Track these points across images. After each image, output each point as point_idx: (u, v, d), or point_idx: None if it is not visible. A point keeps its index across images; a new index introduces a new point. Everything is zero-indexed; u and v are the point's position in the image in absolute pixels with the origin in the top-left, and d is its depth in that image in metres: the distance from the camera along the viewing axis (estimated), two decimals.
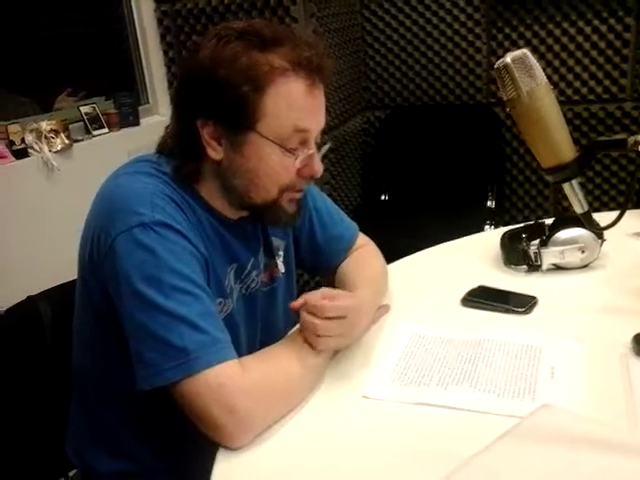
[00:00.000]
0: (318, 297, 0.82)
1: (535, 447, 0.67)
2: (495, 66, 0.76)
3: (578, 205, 0.81)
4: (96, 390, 0.92)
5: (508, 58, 0.74)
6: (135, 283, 0.76)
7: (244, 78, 0.79)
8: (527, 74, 0.75)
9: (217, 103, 0.81)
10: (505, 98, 0.77)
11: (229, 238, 0.91)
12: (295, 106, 0.81)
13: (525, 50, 0.75)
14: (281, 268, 1.01)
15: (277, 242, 1.01)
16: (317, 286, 2.57)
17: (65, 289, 1.04)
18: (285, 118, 0.81)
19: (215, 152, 0.84)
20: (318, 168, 0.86)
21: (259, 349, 0.85)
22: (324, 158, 0.89)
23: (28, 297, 1.03)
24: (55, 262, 1.54)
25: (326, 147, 0.91)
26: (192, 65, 0.83)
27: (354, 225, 1.13)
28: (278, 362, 0.81)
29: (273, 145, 0.82)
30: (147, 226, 0.77)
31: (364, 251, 1.11)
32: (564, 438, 0.68)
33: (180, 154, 0.86)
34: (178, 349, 0.73)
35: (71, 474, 1.04)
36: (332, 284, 1.09)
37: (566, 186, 0.80)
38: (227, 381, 0.73)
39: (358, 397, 0.82)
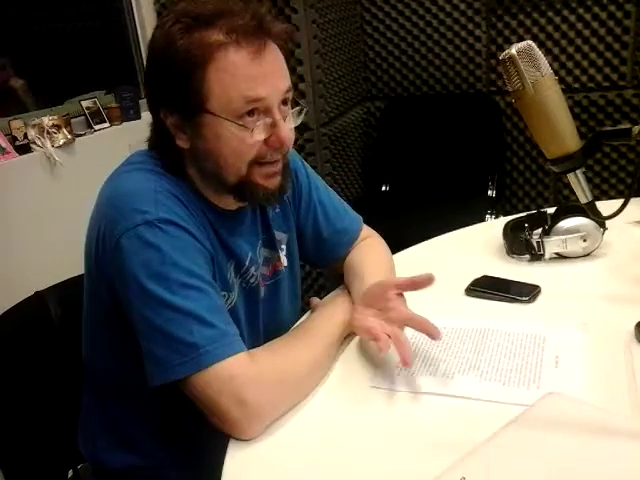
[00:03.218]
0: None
1: (541, 435, 0.68)
2: (500, 58, 0.76)
3: (582, 195, 0.82)
4: (107, 384, 0.93)
5: (513, 49, 0.74)
6: (142, 281, 0.76)
7: (183, 60, 0.77)
8: (532, 65, 0.75)
9: (167, 91, 0.80)
10: (510, 89, 0.78)
11: (227, 235, 0.90)
12: (240, 77, 0.78)
13: (530, 41, 0.75)
14: (284, 262, 1.01)
15: (280, 235, 1.01)
16: (318, 277, 2.56)
17: (72, 284, 1.05)
18: (232, 92, 0.78)
19: (182, 141, 0.83)
20: (285, 135, 0.81)
21: (263, 342, 0.86)
22: (300, 132, 0.86)
23: (36, 293, 1.04)
24: (60, 257, 1.54)
25: (303, 111, 0.86)
26: (147, 56, 0.83)
27: (359, 217, 1.13)
28: (287, 353, 0.82)
29: (227, 122, 0.79)
30: (152, 224, 0.78)
31: (370, 242, 1.11)
32: (569, 425, 0.69)
33: (158, 145, 0.86)
34: (188, 344, 0.74)
35: (79, 467, 1.05)
36: (335, 276, 1.10)
37: (571, 176, 0.81)
38: (237, 374, 0.74)
39: (366, 387, 0.83)
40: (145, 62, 0.85)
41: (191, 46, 0.77)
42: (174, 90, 0.80)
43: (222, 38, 0.78)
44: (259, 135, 0.80)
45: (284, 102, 0.83)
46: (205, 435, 0.80)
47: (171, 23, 0.79)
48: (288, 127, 0.83)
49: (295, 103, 0.85)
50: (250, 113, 0.79)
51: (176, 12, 0.80)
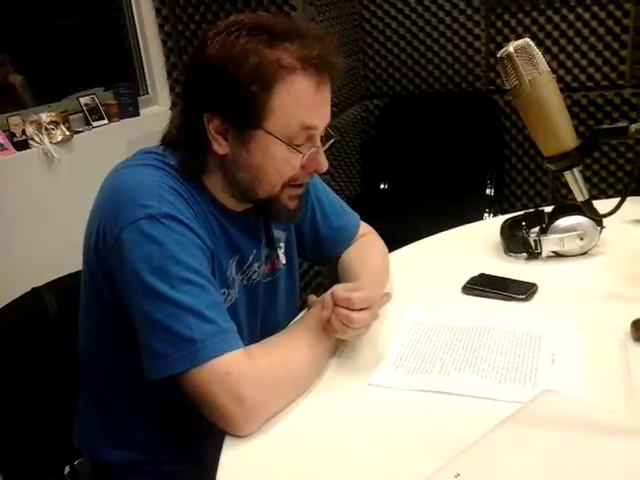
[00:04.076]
0: (343, 291, 0.84)
1: (536, 432, 0.68)
2: (498, 55, 0.77)
3: (579, 193, 0.82)
4: (103, 379, 0.93)
5: (511, 47, 0.75)
6: (142, 275, 0.76)
7: (253, 76, 0.78)
8: (530, 63, 0.75)
9: (225, 100, 0.81)
10: (507, 87, 0.78)
11: (232, 230, 0.91)
12: (302, 104, 0.81)
13: (528, 39, 0.75)
14: (282, 259, 1.02)
15: (278, 233, 1.01)
16: (316, 275, 2.56)
17: (69, 280, 1.05)
18: (292, 116, 0.81)
19: (220, 147, 0.84)
20: (323, 163, 0.87)
21: (259, 339, 0.86)
22: (326, 150, 0.89)
23: (33, 289, 1.04)
24: (58, 253, 1.54)
25: (331, 141, 0.91)
26: (201, 59, 0.82)
27: (356, 215, 1.14)
28: (284, 350, 0.82)
29: (279, 142, 0.82)
30: (154, 218, 0.78)
31: (366, 240, 1.12)
32: (565, 423, 0.69)
33: (185, 147, 0.86)
34: (186, 339, 0.74)
35: (76, 463, 1.05)
36: (333, 272, 1.10)
37: (568, 174, 0.81)
38: (234, 370, 0.74)
39: (363, 384, 0.83)
40: (191, 62, 0.85)
41: (263, 63, 0.79)
42: (231, 100, 0.80)
43: (295, 63, 0.80)
44: (305, 160, 0.84)
45: None
46: (202, 431, 0.80)
47: (243, 34, 0.79)
48: (324, 156, 0.87)
49: (327, 131, 0.89)
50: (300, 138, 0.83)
51: (245, 24, 0.81)
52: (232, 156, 0.84)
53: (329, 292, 0.85)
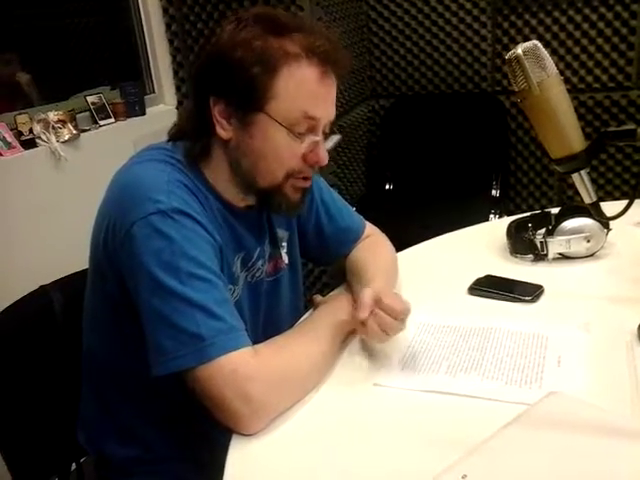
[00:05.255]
0: (389, 298, 0.85)
1: (542, 434, 0.68)
2: (506, 57, 0.77)
3: (587, 195, 0.82)
4: (108, 377, 0.93)
5: (519, 49, 0.75)
6: (152, 270, 0.76)
7: (257, 60, 0.80)
8: (538, 65, 0.75)
9: (229, 82, 0.82)
10: (515, 89, 0.78)
11: (237, 227, 0.92)
12: (306, 92, 0.82)
13: (536, 41, 0.75)
14: (285, 259, 1.02)
15: (281, 233, 1.02)
16: (321, 274, 2.55)
17: (77, 278, 1.05)
18: (295, 102, 0.82)
19: (224, 131, 0.84)
20: (323, 156, 0.87)
21: (262, 339, 0.86)
22: (332, 149, 0.89)
23: (40, 287, 1.04)
24: (65, 251, 1.55)
25: (335, 138, 0.91)
26: (210, 47, 0.85)
27: (361, 217, 1.14)
28: (291, 349, 0.82)
29: (281, 128, 0.83)
30: (164, 213, 0.78)
31: (374, 239, 1.12)
32: (571, 425, 0.69)
33: (191, 131, 0.87)
34: (194, 335, 0.74)
35: (82, 461, 1.05)
36: (338, 273, 1.10)
37: (575, 176, 0.81)
38: (241, 367, 0.74)
39: (369, 385, 0.83)
40: (201, 52, 0.88)
41: (268, 48, 0.80)
42: (236, 83, 0.82)
43: (299, 51, 0.81)
44: (305, 148, 0.85)
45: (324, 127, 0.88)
46: (209, 429, 0.81)
47: (251, 22, 0.82)
48: (325, 149, 0.87)
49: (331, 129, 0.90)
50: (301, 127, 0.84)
51: (255, 14, 0.83)
52: (235, 141, 0.85)
53: (366, 293, 0.84)
